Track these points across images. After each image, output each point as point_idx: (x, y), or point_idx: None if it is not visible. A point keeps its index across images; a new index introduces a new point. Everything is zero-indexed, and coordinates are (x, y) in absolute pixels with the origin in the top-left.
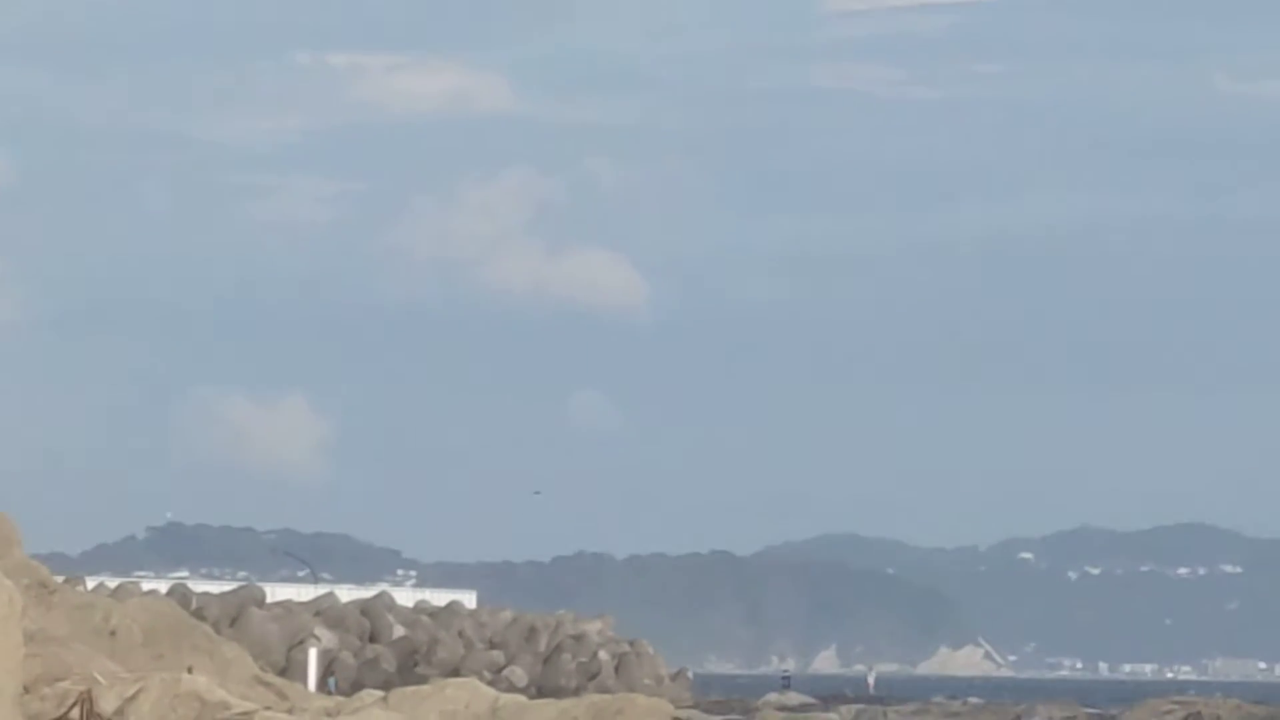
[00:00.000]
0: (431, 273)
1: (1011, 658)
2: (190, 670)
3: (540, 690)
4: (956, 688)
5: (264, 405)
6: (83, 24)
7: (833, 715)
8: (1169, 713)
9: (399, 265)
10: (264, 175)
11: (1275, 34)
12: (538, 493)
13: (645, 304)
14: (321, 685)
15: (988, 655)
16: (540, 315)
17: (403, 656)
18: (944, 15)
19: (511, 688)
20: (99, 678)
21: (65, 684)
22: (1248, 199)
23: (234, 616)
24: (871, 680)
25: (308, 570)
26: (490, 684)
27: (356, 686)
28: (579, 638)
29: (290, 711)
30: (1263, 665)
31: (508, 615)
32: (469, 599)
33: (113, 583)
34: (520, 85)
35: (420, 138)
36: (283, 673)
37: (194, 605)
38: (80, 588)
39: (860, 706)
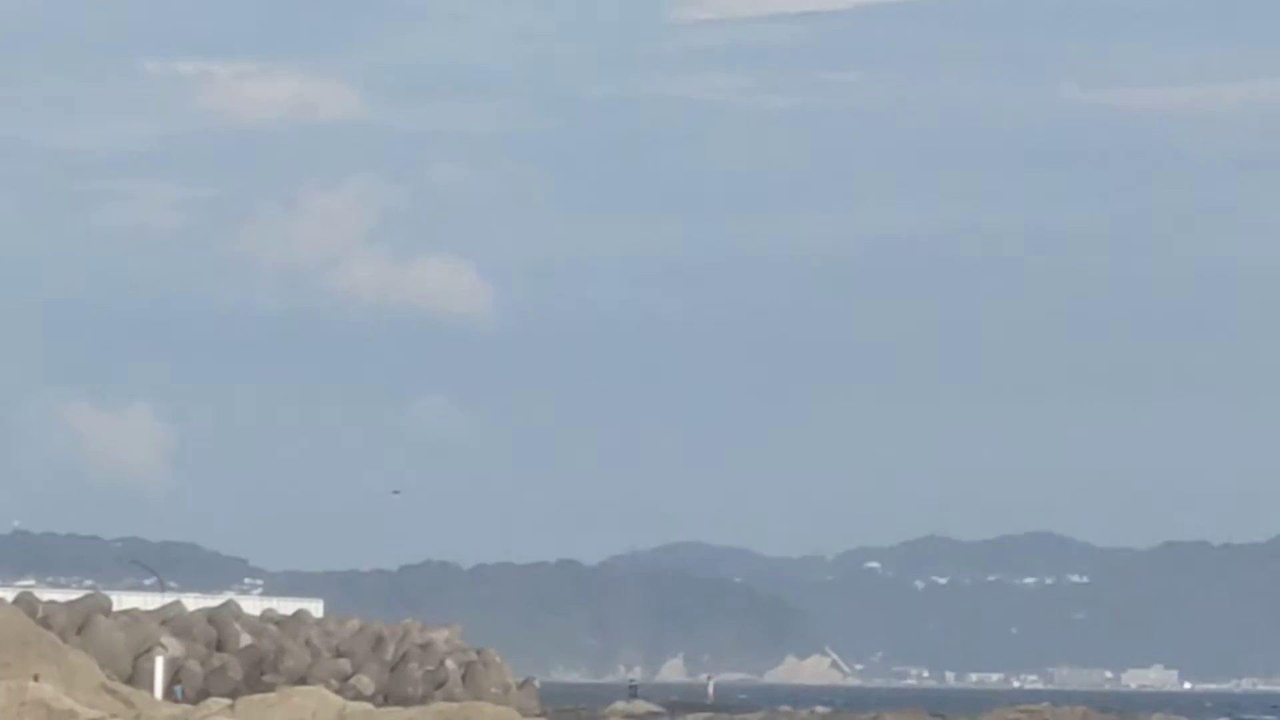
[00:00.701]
0: (276, 280)
1: (859, 667)
2: (37, 678)
3: (387, 699)
4: (804, 697)
5: (107, 412)
6: None
7: None
8: None
9: (244, 272)
10: (111, 182)
11: (1121, 43)
12: (397, 492)
13: (490, 310)
14: (168, 693)
15: (834, 664)
16: (385, 321)
17: (250, 665)
18: (793, 25)
19: (359, 696)
20: None
21: None
22: (1096, 207)
23: (81, 625)
24: (710, 689)
25: (155, 579)
26: (337, 692)
27: (203, 695)
28: (426, 646)
29: (137, 719)
30: (1109, 674)
31: (355, 624)
32: (316, 608)
33: None
34: (368, 92)
35: (267, 145)
36: (130, 681)
37: (40, 613)
38: None
39: (707, 715)
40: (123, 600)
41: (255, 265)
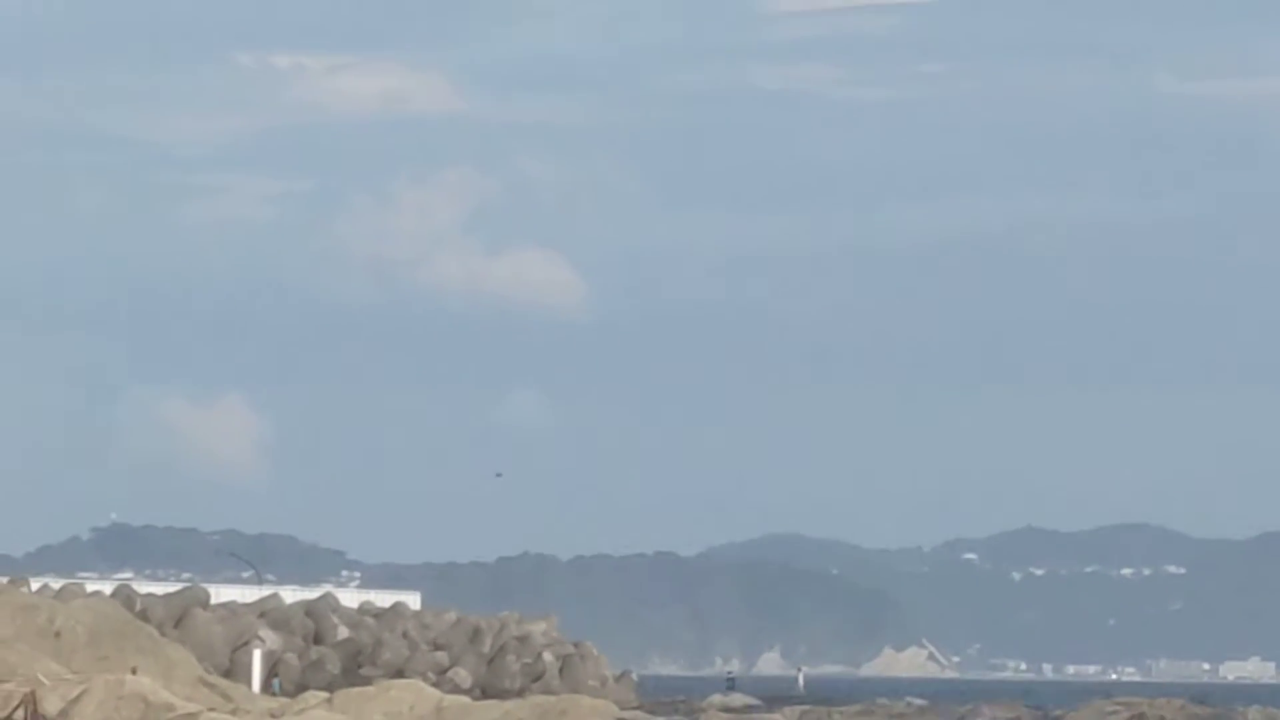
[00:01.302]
0: (369, 272)
1: (955, 659)
2: (134, 671)
3: (484, 691)
4: (900, 689)
5: (201, 405)
6: (23, 22)
7: (776, 716)
8: (1114, 713)
9: (337, 265)
10: (206, 176)
11: (1216, 33)
12: (499, 474)
13: (582, 303)
14: (266, 686)
15: (932, 656)
16: (476, 314)
17: (347, 658)
18: (887, 15)
19: (456, 689)
20: (43, 679)
21: (9, 685)
22: (1188, 199)
23: (178, 618)
24: (800, 681)
25: (252, 571)
26: (434, 685)
27: (301, 688)
28: (523, 639)
29: (234, 713)
30: (1206, 666)
31: (452, 616)
32: (413, 600)
33: (57, 584)
34: (461, 85)
35: (360, 137)
36: (227, 674)
37: (138, 607)
38: (24, 589)
39: (805, 708)
40: (220, 593)
41: (348, 258)
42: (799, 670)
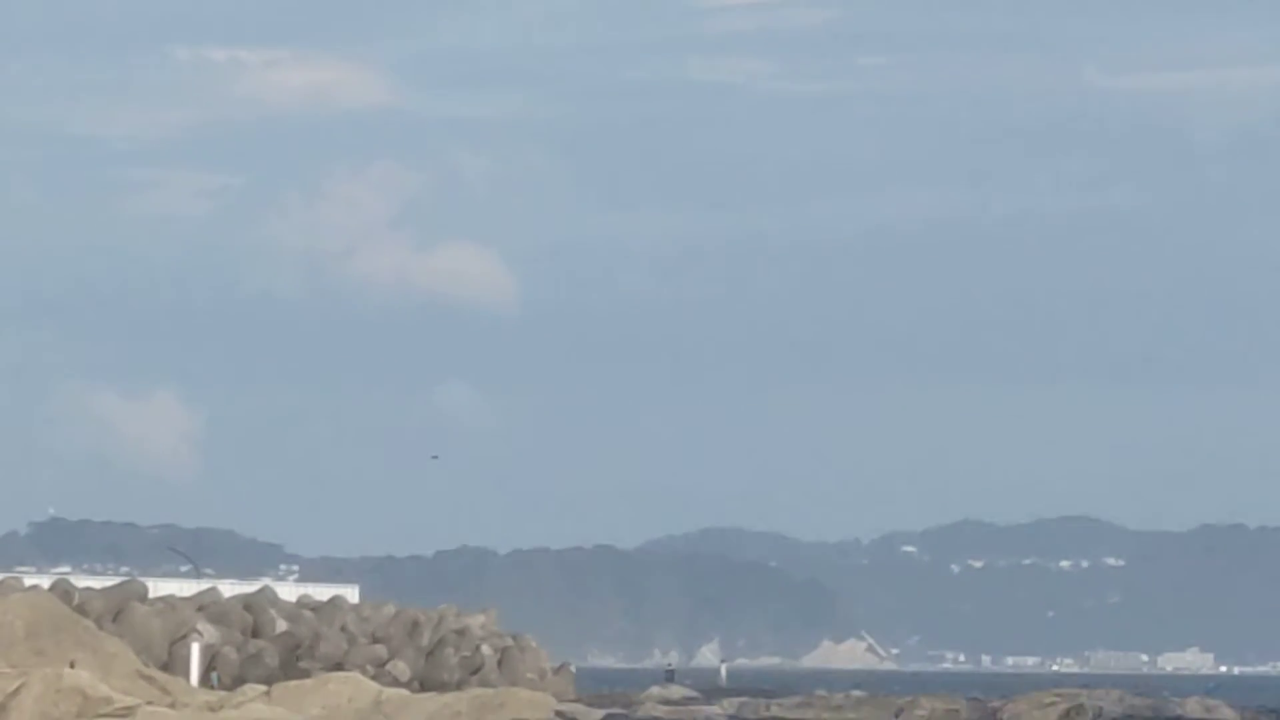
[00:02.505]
0: (301, 266)
1: (894, 651)
2: (73, 665)
3: (423, 684)
4: (839, 681)
5: (134, 399)
6: None
7: (715, 708)
8: (1052, 704)
9: (269, 259)
10: (141, 170)
11: (1143, 27)
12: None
13: (514, 297)
14: (204, 680)
15: (870, 648)
16: (408, 308)
17: (285, 651)
18: (821, 9)
19: (394, 682)
20: None
21: None
22: (1120, 192)
23: (116, 612)
24: (723, 673)
25: (190, 565)
26: (373, 678)
27: (239, 681)
28: (462, 632)
29: (173, 706)
30: (1145, 657)
31: (390, 609)
32: (352, 593)
33: None
34: (396, 79)
35: (295, 132)
36: (165, 668)
37: (76, 600)
38: None
39: (744, 699)
40: (158, 587)
41: (280, 252)
42: (722, 662)
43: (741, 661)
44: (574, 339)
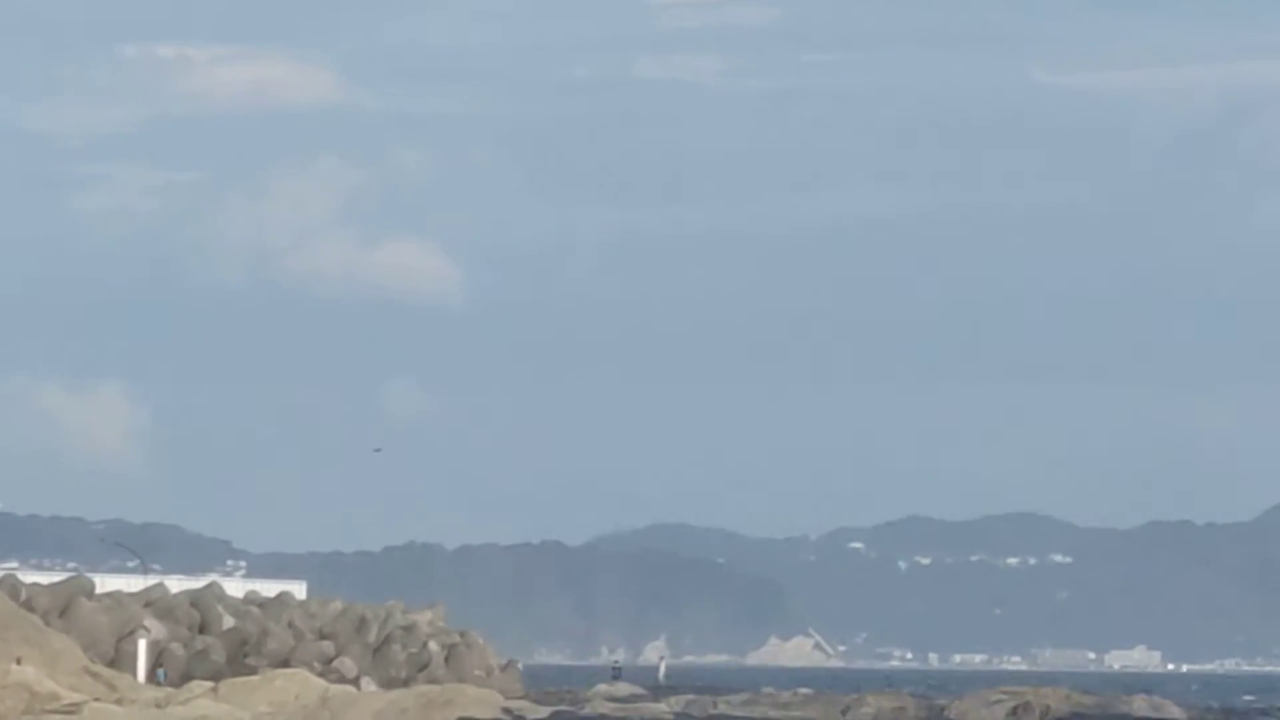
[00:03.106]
0: (246, 262)
1: (842, 648)
2: (19, 661)
3: (370, 681)
4: (787, 678)
5: (78, 394)
6: None
7: (662, 705)
8: (998, 702)
9: (215, 254)
10: (88, 165)
11: (1088, 26)
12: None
13: (458, 292)
14: (151, 676)
15: (818, 645)
16: (353, 303)
17: (233, 647)
18: (770, 7)
19: (341, 679)
20: None
21: None
22: (1064, 188)
23: (63, 607)
24: (662, 671)
25: (137, 561)
26: (320, 675)
27: (186, 678)
28: (409, 628)
29: (120, 702)
30: (1092, 655)
31: (338, 606)
32: (299, 589)
33: None
34: (343, 76)
35: (242, 128)
36: (112, 664)
37: (23, 596)
38: None
39: (690, 697)
40: (105, 583)
41: (225, 247)
42: (661, 659)
43: (689, 658)
44: (520, 334)
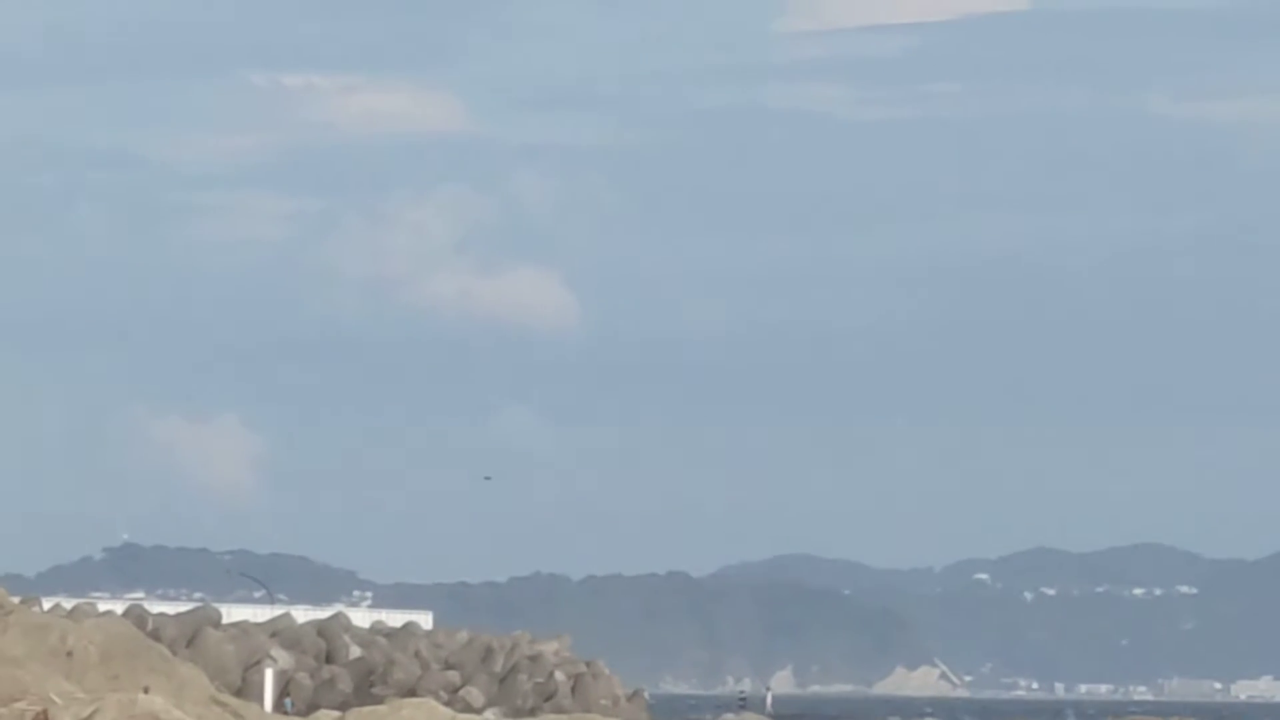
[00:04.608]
0: (364, 291)
1: (968, 678)
2: (146, 690)
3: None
4: (913, 708)
5: (197, 424)
6: (36, 39)
7: None
8: None
9: (335, 284)
10: (213, 194)
11: (1207, 56)
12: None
13: (577, 323)
14: (278, 706)
15: (944, 675)
16: (470, 333)
17: (359, 677)
18: (897, 37)
19: (468, 708)
20: (55, 698)
21: (21, 704)
22: (1195, 221)
23: (190, 637)
24: (769, 702)
25: (264, 591)
26: (446, 704)
27: (313, 707)
28: (535, 658)
29: None
30: (1218, 685)
31: (464, 636)
32: (425, 620)
33: (69, 603)
34: (469, 105)
35: (368, 157)
36: (239, 694)
37: (150, 626)
38: (36, 608)
39: None
40: (232, 613)
41: (344, 275)
42: (767, 689)
43: (815, 688)
44: (638, 364)
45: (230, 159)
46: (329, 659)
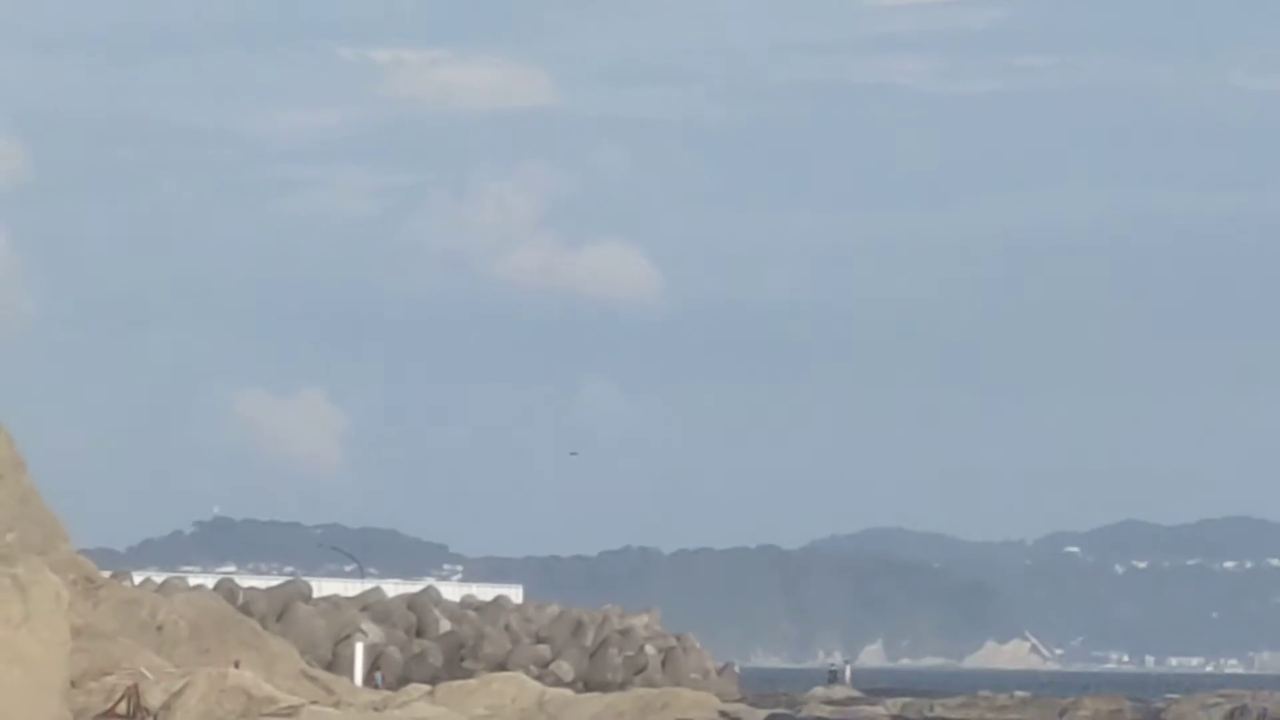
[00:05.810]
0: (447, 265)
1: (1058, 651)
2: (237, 665)
3: (587, 684)
4: (1003, 681)
5: (282, 398)
6: (120, 16)
7: (879, 708)
8: (1215, 705)
9: (417, 257)
10: (301, 170)
11: None
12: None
13: (660, 296)
14: (368, 679)
15: (1034, 649)
16: (553, 306)
17: (449, 651)
18: (983, 9)
19: (558, 682)
20: (146, 672)
21: (112, 678)
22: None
23: (280, 611)
24: (847, 674)
25: (354, 565)
26: (537, 678)
27: (403, 681)
28: (625, 632)
29: (337, 705)
30: None
31: (554, 609)
32: (515, 593)
33: (159, 578)
34: (557, 79)
35: (457, 131)
36: (329, 667)
37: (240, 600)
38: (127, 583)
39: (907, 700)
40: (322, 587)
41: (429, 250)
42: (846, 663)
43: (905, 661)
44: (723, 338)
45: (317, 134)
46: (419, 633)
